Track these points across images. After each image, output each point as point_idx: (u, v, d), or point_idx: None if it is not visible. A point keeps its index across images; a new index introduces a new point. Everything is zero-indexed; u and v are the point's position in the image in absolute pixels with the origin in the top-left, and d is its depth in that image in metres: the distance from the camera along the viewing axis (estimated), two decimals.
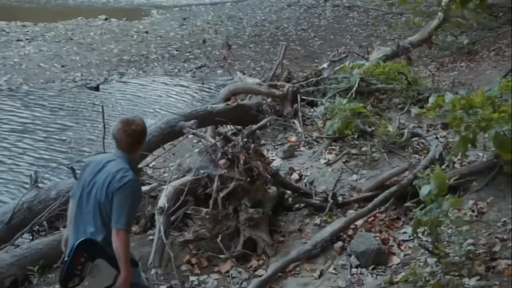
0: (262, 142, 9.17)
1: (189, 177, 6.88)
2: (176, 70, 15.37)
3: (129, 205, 4.59)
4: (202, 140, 8.31)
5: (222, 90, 10.84)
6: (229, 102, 10.01)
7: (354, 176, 7.77)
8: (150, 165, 8.21)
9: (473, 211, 6.30)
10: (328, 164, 8.15)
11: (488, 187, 6.57)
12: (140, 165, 7.28)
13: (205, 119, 9.10)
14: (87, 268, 4.55)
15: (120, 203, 4.55)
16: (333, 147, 8.53)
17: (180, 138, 8.89)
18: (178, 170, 7.19)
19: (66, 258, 4.67)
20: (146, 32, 18.86)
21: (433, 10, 14.83)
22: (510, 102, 6.30)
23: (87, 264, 4.55)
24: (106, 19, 20.48)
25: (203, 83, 14.31)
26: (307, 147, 8.81)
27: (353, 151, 8.26)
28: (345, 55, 12.07)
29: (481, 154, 7.19)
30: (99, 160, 4.83)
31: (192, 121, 8.45)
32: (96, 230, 4.64)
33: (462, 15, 13.99)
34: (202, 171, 6.88)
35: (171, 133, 8.55)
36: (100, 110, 9.33)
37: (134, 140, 4.73)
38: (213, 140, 7.85)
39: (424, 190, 5.49)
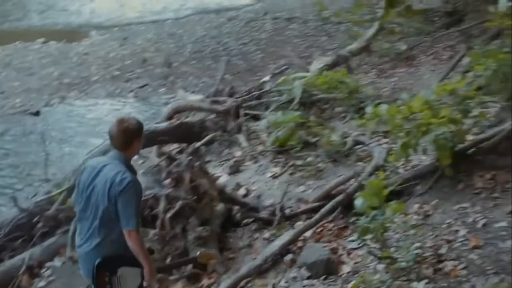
0: (208, 158, 9.13)
1: None
2: (118, 91, 15.21)
3: (134, 205, 4.72)
4: (147, 160, 8.24)
5: (165, 109, 10.79)
6: (172, 121, 9.95)
7: (301, 188, 7.77)
8: None
9: (418, 214, 6.37)
10: (275, 177, 8.17)
11: (432, 190, 6.62)
12: None
13: (149, 139, 9.01)
14: (114, 283, 4.66)
15: (126, 205, 4.68)
16: (279, 160, 8.55)
17: None
18: None
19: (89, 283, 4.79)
20: (86, 54, 18.64)
21: (370, 17, 14.98)
22: (448, 106, 6.44)
23: (112, 279, 4.66)
24: (44, 42, 20.21)
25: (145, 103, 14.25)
26: (252, 161, 8.80)
27: (298, 162, 8.29)
28: (286, 67, 12.09)
29: (424, 157, 7.28)
30: (94, 165, 4.92)
31: None
32: (93, 233, 4.79)
33: (399, 22, 14.18)
34: (148, 192, 6.82)
35: None
36: (44, 133, 9.25)
37: (127, 137, 4.82)
38: (157, 160, 7.79)
39: (358, 202, 5.57)
